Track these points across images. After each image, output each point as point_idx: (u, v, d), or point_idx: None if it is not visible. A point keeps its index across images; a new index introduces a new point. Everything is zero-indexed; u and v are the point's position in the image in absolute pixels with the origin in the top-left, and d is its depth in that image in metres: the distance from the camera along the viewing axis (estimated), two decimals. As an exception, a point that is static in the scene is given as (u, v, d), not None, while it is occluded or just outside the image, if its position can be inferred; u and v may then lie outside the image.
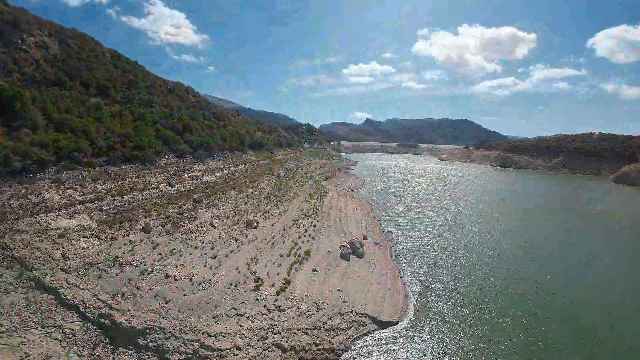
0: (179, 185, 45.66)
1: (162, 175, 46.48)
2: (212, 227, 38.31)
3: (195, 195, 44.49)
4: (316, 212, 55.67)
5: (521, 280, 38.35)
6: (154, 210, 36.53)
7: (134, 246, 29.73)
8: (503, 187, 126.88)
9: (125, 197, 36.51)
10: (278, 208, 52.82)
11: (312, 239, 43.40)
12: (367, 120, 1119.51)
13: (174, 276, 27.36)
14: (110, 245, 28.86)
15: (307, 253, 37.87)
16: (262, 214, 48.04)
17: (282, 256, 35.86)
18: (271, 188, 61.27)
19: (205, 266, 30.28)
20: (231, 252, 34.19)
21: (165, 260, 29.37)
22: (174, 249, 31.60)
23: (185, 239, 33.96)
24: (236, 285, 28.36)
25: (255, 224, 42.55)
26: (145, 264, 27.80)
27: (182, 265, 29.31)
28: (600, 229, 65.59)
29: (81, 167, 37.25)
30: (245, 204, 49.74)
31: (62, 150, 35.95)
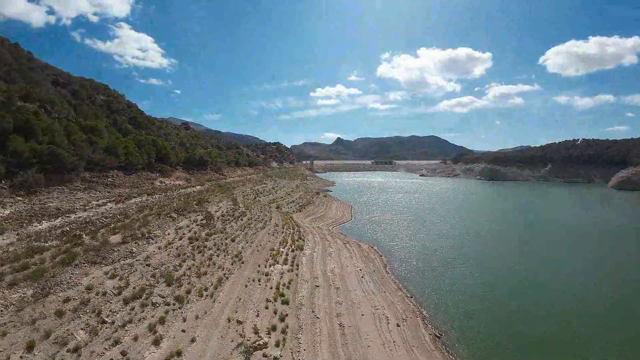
0: None
1: None
2: None
3: None
4: (283, 317, 21.76)
5: None
6: None
7: None
8: (514, 204, 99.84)
9: None
10: (180, 319, 18.54)
11: None
12: (338, 140, 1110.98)
13: None
14: None
15: None
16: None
17: None
18: (178, 254, 26.65)
19: None
20: None
21: None
22: None
23: None
24: None
25: None
26: None
27: None
28: None
29: None
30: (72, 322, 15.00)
31: None
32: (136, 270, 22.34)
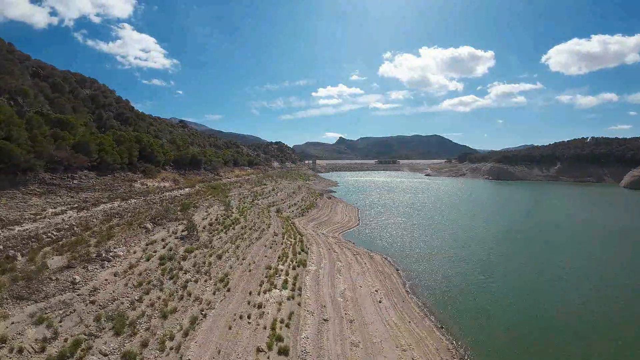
0: None
1: None
2: None
3: None
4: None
5: None
6: None
7: None
8: (531, 204, 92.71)
9: None
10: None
11: None
12: (340, 139, 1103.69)
13: None
14: None
15: None
16: None
17: None
18: (140, 282, 20.20)
19: None
20: None
21: None
22: None
23: None
24: None
25: None
26: None
27: None
28: None
29: None
30: None
31: None
32: (74, 311, 15.93)
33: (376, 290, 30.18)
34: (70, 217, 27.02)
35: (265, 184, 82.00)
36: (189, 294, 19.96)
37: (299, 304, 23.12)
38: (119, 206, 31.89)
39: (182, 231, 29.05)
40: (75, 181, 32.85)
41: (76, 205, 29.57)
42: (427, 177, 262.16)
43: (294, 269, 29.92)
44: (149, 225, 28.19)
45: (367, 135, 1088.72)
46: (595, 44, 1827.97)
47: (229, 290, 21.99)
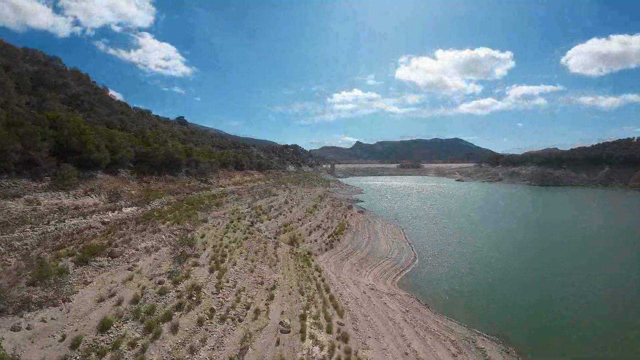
0: None
1: None
2: None
3: None
4: None
5: None
6: None
7: None
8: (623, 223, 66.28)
9: None
10: None
11: None
12: (357, 144, 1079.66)
13: None
14: None
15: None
16: None
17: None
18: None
19: None
20: None
21: None
22: None
23: None
24: None
25: None
26: None
27: None
28: None
29: None
30: None
31: None
32: None
33: None
34: None
35: (275, 194, 60.23)
36: None
37: None
38: None
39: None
40: None
41: None
42: (458, 182, 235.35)
43: None
44: None
45: (384, 139, 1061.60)
46: (614, 43, 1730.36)
47: None
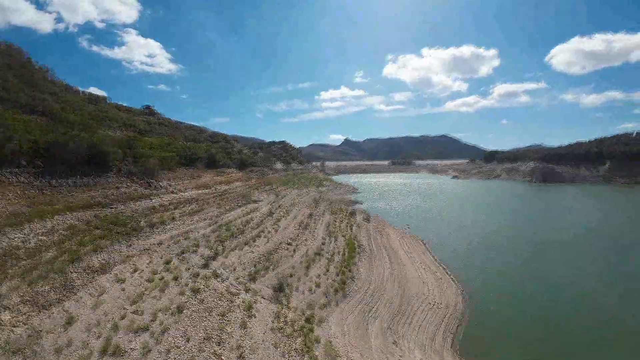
0: None
1: None
2: None
3: None
4: None
5: None
6: None
7: None
8: None
9: None
10: None
11: None
12: (346, 141, 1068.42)
13: None
14: None
15: None
16: None
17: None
18: None
19: None
20: None
21: None
22: None
23: None
24: None
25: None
26: None
27: None
28: None
29: None
30: None
31: None
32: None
33: None
34: None
35: (256, 201, 45.16)
36: None
37: None
38: None
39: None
40: None
41: None
42: (454, 179, 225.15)
43: None
44: None
45: (373, 137, 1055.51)
46: (598, 42, 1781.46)
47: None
